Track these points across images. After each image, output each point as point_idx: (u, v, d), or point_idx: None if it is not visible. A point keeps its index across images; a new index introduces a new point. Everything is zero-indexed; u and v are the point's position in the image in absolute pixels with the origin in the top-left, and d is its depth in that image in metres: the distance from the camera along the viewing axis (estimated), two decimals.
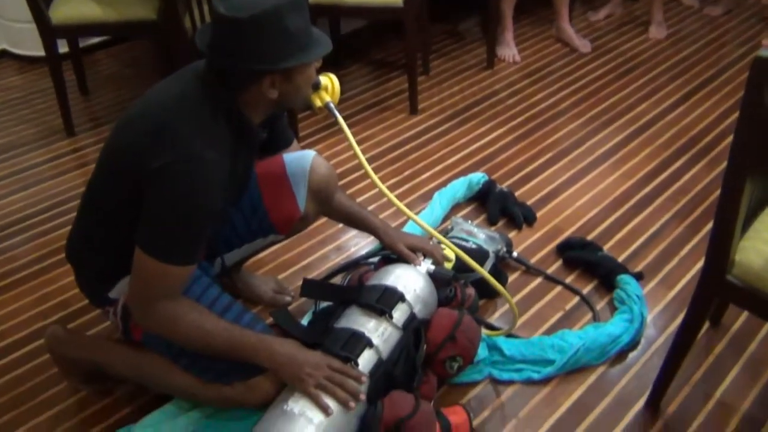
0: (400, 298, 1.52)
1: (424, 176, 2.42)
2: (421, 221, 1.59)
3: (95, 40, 3.29)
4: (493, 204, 2.20)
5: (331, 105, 1.49)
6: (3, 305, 1.92)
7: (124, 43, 3.40)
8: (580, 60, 3.20)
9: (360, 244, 2.09)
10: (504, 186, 2.31)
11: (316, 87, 1.47)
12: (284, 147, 1.68)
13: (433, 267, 1.67)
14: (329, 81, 1.50)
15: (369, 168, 1.51)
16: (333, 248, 2.09)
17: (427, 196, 2.28)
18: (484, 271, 1.61)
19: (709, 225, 2.15)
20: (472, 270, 1.77)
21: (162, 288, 1.33)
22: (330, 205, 1.69)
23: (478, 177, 2.28)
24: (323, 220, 2.15)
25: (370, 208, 2.20)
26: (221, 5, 1.27)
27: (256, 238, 1.69)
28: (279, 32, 1.27)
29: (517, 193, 2.30)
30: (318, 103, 1.49)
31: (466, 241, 1.88)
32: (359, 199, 2.27)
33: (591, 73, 3.09)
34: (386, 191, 1.54)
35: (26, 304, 1.92)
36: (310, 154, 1.65)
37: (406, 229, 2.07)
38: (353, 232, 2.13)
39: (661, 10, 3.46)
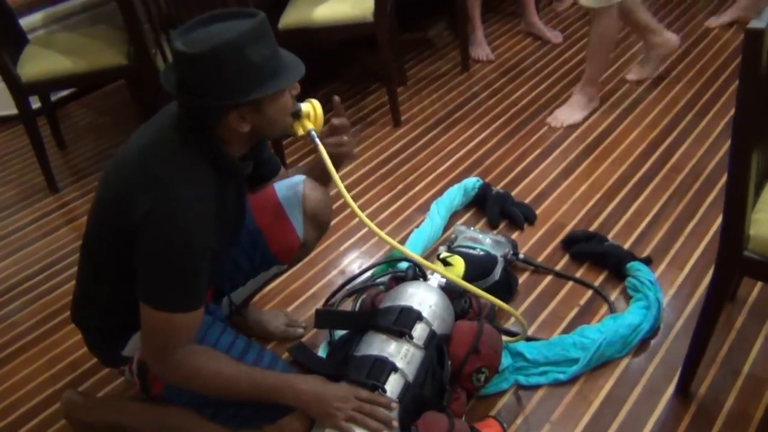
0: (418, 316, 1.50)
1: (418, 187, 2.40)
2: (412, 254, 1.51)
3: (67, 91, 3.25)
4: (492, 207, 2.19)
5: (313, 133, 1.44)
6: (12, 374, 1.87)
7: (97, 91, 3.36)
8: (554, 51, 3.21)
9: (364, 265, 2.07)
10: (499, 187, 2.30)
11: (297, 115, 1.43)
12: (272, 176, 1.65)
13: (444, 280, 1.65)
14: (312, 108, 1.45)
15: (352, 203, 1.42)
16: (337, 273, 2.06)
17: (425, 207, 2.26)
18: (476, 289, 1.53)
19: (709, 199, 2.17)
20: (483, 277, 1.76)
21: (175, 338, 1.30)
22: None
23: (473, 182, 2.27)
24: (324, 245, 2.13)
25: (357, 235, 2.20)
26: (179, 41, 1.23)
27: (258, 273, 1.65)
28: (240, 64, 1.23)
29: (513, 193, 2.29)
30: (300, 131, 1.44)
31: (473, 248, 1.86)
32: (349, 226, 2.25)
33: (567, 62, 3.09)
34: (374, 227, 1.45)
35: (35, 371, 1.87)
36: (301, 179, 1.60)
37: (407, 244, 2.05)
38: (355, 255, 2.11)
39: None
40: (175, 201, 1.23)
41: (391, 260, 1.96)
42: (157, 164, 1.28)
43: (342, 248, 2.15)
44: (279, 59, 1.30)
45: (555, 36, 3.28)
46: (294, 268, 2.00)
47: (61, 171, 2.77)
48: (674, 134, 2.51)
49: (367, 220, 1.43)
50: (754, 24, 1.08)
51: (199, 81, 1.24)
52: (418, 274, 1.71)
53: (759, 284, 1.81)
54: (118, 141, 2.88)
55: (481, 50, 3.20)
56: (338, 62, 3.32)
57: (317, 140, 1.44)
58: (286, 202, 1.58)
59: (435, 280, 1.66)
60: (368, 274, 1.96)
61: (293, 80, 1.32)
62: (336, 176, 1.44)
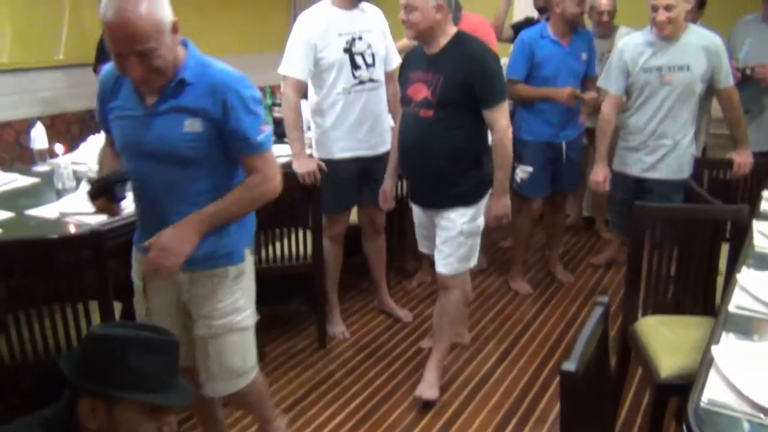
0: None
1: None
2: None
3: None
4: None
5: None
6: None
7: None
8: (405, 329, 3.42)
9: None
10: None
11: None
12: None
13: None
14: None
15: None
16: None
17: None
18: None
19: None
20: None
21: None
22: None
23: None
24: None
25: None
26: (102, 325, 1.42)
27: None
28: (114, 360, 1.29)
29: None
30: None
31: None
32: None
33: (416, 342, 3.29)
34: None
35: None
36: None
37: None
38: None
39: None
40: None
41: None
42: None
43: None
44: (163, 383, 1.34)
45: (405, 315, 3.52)
46: None
47: None
48: (516, 419, 2.67)
49: None
50: (566, 367, 1.27)
51: (82, 357, 1.33)
52: None
53: None
54: None
55: (338, 328, 3.34)
56: None
57: None
58: None
59: None
60: None
61: (157, 402, 1.33)
62: None
